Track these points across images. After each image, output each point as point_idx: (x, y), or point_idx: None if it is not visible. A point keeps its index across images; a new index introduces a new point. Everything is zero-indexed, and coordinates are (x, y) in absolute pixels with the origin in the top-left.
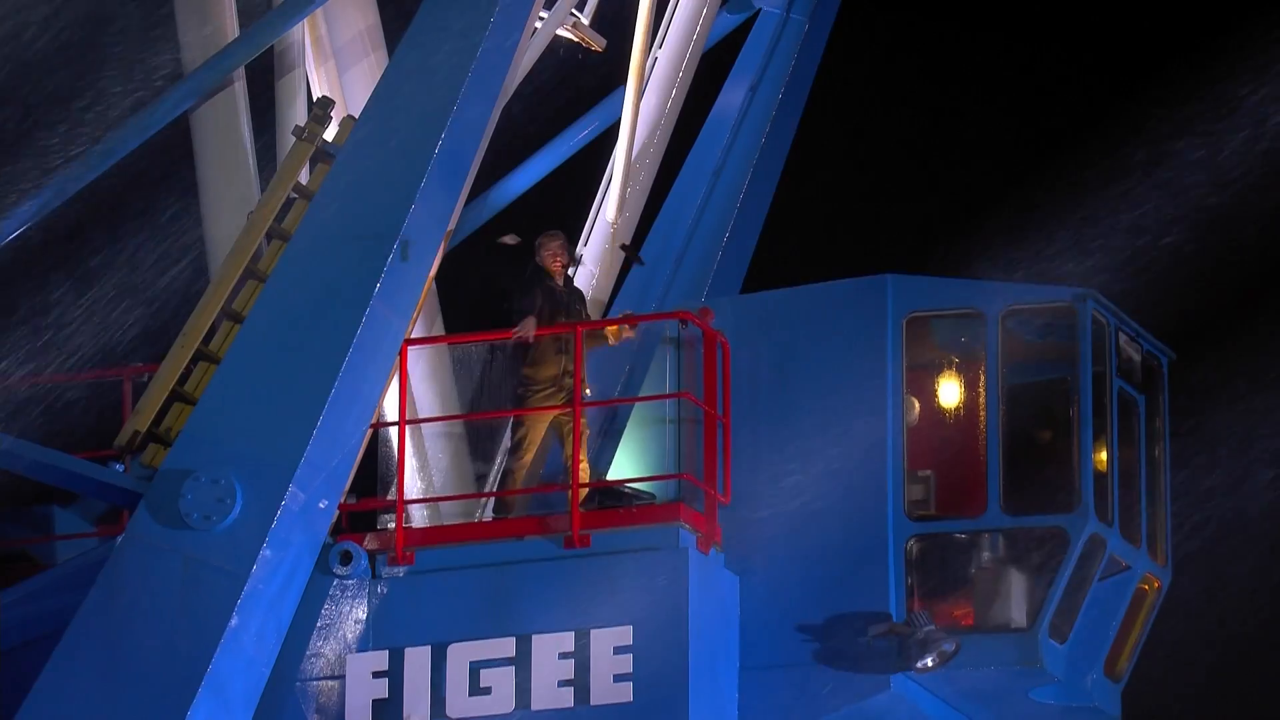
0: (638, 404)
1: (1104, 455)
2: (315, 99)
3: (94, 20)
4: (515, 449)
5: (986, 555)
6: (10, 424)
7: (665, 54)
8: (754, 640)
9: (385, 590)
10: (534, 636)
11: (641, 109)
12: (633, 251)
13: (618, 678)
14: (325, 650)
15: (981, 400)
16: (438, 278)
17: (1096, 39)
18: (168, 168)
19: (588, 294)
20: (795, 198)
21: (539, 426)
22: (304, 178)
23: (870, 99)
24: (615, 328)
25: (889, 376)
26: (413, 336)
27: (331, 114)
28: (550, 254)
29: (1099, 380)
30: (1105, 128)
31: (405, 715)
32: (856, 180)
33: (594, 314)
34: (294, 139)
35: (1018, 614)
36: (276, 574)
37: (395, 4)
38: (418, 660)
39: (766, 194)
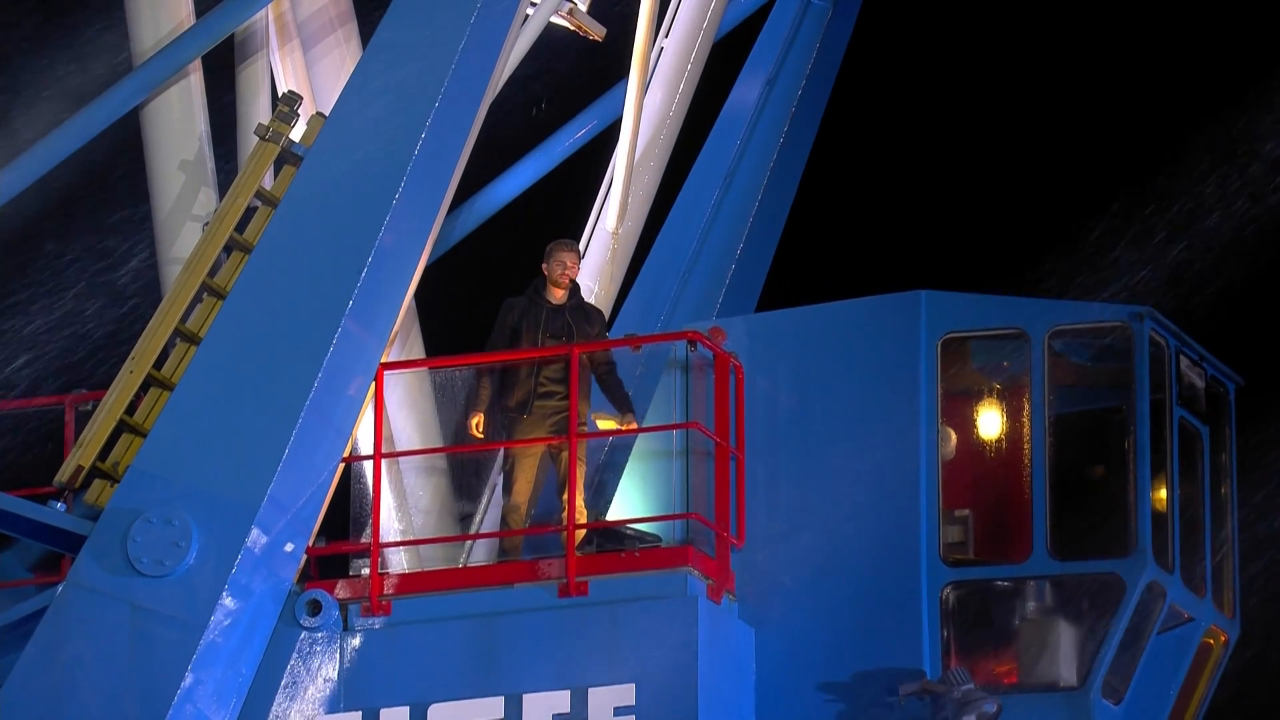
0: (641, 435)
1: (1163, 493)
2: (281, 94)
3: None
4: (504, 487)
5: (1032, 605)
6: None
7: (672, 43)
8: (771, 699)
9: (359, 644)
10: (525, 696)
11: (646, 105)
12: None
13: None
14: (292, 711)
15: (1026, 431)
16: (418, 294)
17: (1164, 35)
18: (115, 171)
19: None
20: (817, 204)
21: (522, 460)
22: (268, 182)
23: (901, 95)
24: (614, 421)
25: (922, 404)
26: (390, 360)
27: (299, 111)
28: (558, 263)
29: (1158, 409)
30: (1169, 132)
31: None
32: (886, 185)
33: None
34: (257, 139)
35: (1067, 671)
36: (236, 626)
37: None
38: None
39: (785, 200)
